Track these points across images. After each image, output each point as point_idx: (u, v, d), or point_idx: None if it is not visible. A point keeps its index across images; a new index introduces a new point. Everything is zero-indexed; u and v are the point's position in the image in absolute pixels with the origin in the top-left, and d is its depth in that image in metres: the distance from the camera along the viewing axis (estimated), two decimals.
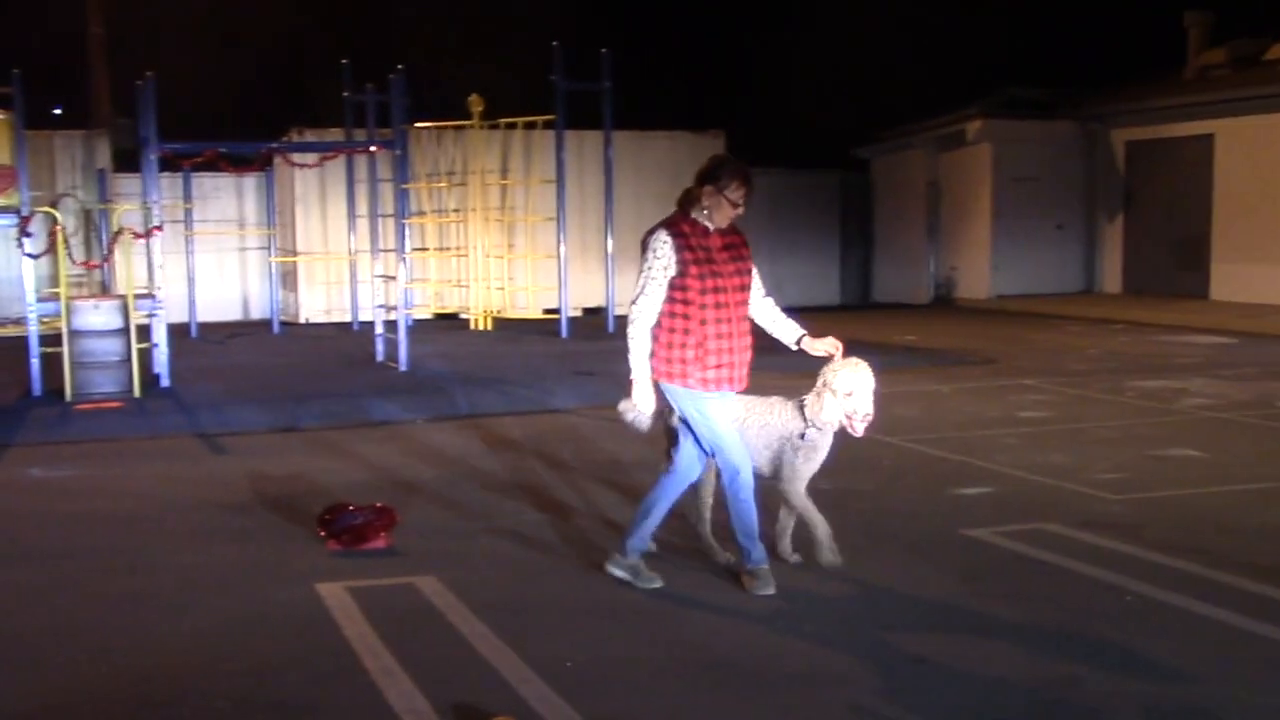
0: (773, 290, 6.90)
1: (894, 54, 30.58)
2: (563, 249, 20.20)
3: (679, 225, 6.43)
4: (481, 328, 21.02)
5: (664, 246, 6.36)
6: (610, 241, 20.89)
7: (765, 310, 6.73)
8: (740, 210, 6.45)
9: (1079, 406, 12.33)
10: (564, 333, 19.47)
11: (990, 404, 12.54)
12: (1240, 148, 22.16)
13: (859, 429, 6.65)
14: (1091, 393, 13.12)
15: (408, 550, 7.42)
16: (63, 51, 28.22)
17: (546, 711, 5.04)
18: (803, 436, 6.68)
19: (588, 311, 22.54)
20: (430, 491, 9.06)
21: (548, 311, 21.16)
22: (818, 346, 6.66)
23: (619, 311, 21.42)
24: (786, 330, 6.74)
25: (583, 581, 6.81)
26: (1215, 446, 10.33)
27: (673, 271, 6.35)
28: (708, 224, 6.44)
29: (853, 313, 24.94)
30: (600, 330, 20.21)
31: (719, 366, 6.42)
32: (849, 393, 6.60)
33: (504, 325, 20.89)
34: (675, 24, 33.09)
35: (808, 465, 6.76)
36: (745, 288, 6.54)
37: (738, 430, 6.65)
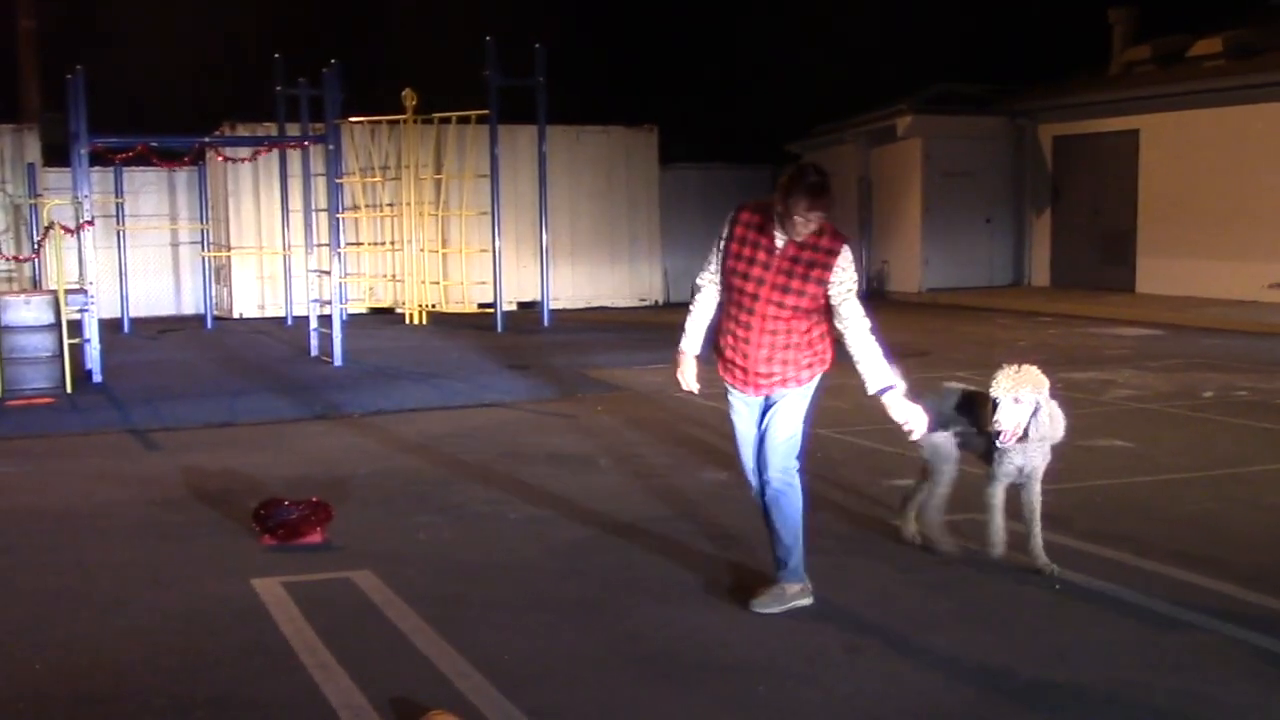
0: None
1: (825, 49, 30.76)
2: (497, 243, 20.21)
3: (748, 210, 6.17)
4: (416, 322, 20.99)
5: (726, 225, 6.19)
6: (545, 236, 20.92)
7: (854, 343, 6.10)
8: (813, 226, 5.91)
9: None
10: (499, 327, 19.49)
11: (920, 396, 12.66)
12: (1165, 143, 22.52)
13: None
14: None
15: (343, 545, 7.42)
16: None
17: (484, 706, 5.07)
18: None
19: (523, 306, 22.55)
20: (366, 486, 9.06)
21: (483, 306, 21.17)
22: (897, 414, 6.16)
23: (553, 306, 21.46)
24: (870, 374, 6.13)
25: (520, 575, 6.85)
26: (1142, 437, 10.53)
27: (720, 251, 6.21)
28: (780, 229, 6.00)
29: None
30: (535, 324, 20.23)
31: (729, 363, 6.25)
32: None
33: (439, 320, 20.88)
34: (609, 18, 33.10)
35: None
36: (795, 297, 5.99)
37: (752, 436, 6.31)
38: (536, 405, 12.73)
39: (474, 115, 20.83)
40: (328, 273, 16.59)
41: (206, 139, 20.22)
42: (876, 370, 6.09)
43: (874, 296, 26.18)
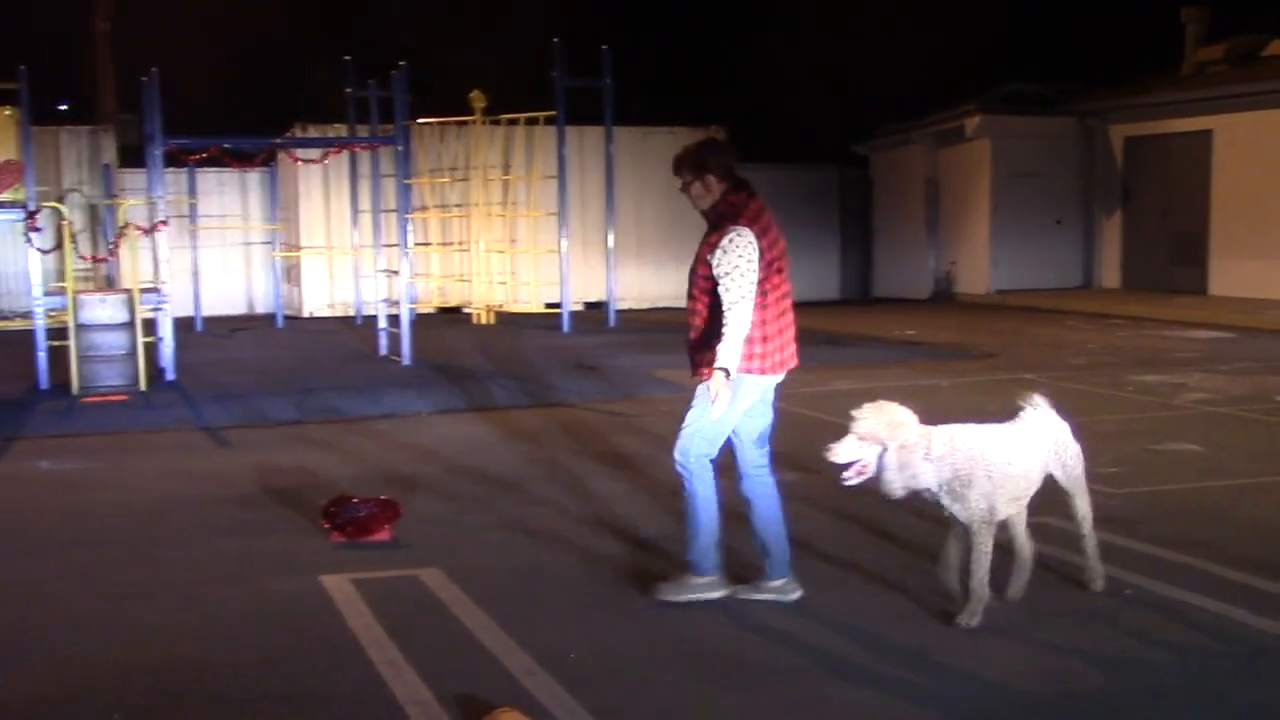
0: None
1: (893, 49, 30.60)
2: (564, 244, 20.27)
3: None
4: (484, 322, 21.09)
5: None
6: (611, 236, 20.96)
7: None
8: (695, 198, 6.27)
9: (1078, 401, 12.37)
10: (565, 327, 19.54)
11: (989, 398, 12.58)
12: (1238, 143, 22.22)
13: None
14: (1090, 387, 13.19)
15: (411, 543, 7.50)
16: (69, 48, 28.29)
17: (549, 703, 5.11)
18: None
19: (589, 306, 22.60)
20: (433, 484, 9.14)
21: (549, 306, 21.23)
22: (710, 387, 6.03)
23: (619, 306, 21.51)
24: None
25: (585, 574, 6.88)
26: (1213, 441, 10.40)
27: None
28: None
29: (853, 308, 25.01)
30: (601, 325, 20.28)
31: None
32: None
33: (506, 320, 20.97)
34: (675, 19, 33.11)
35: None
36: (698, 282, 6.21)
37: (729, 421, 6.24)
38: (602, 405, 12.77)
39: (542, 116, 20.90)
40: (396, 273, 16.72)
41: (278, 140, 20.44)
42: (719, 350, 5.97)
43: (941, 298, 26.05)
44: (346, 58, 21.26)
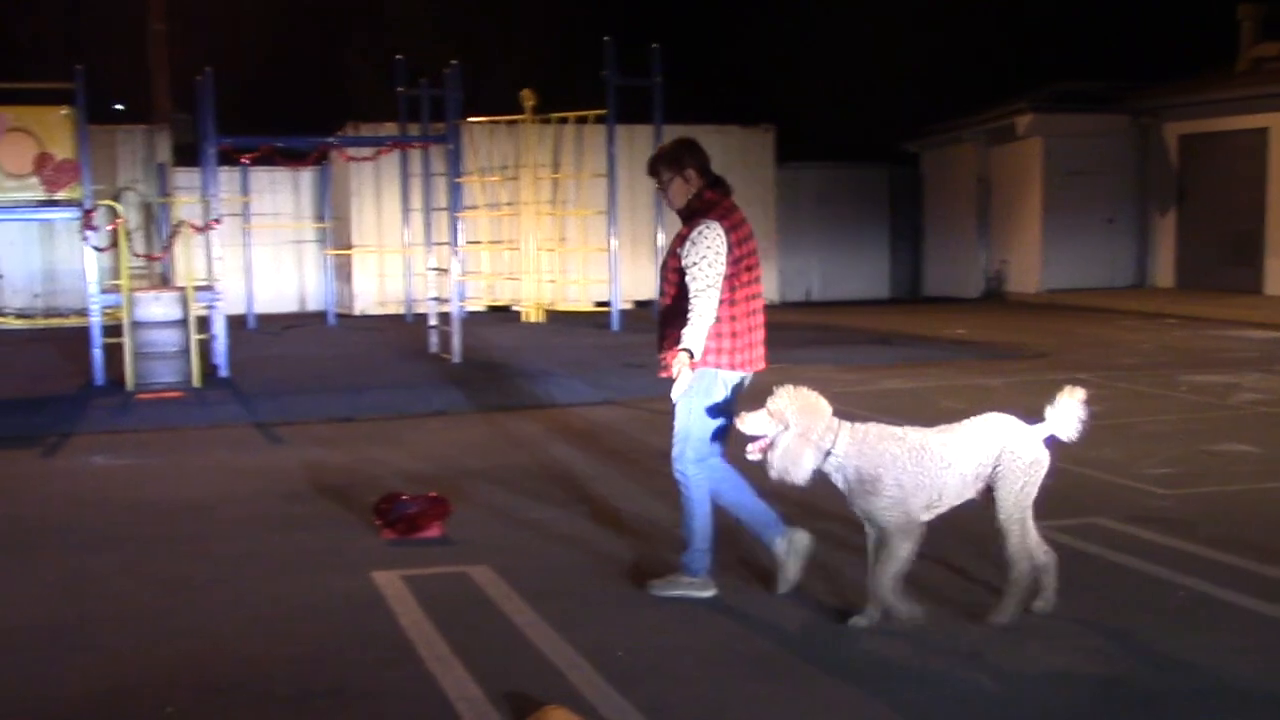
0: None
1: (943, 46, 30.46)
2: (614, 242, 20.30)
3: None
4: (533, 320, 21.15)
5: None
6: (661, 235, 20.96)
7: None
8: (669, 198, 6.54)
9: (1131, 401, 12.30)
10: (615, 325, 19.56)
11: (1041, 398, 12.41)
12: None
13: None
14: (1143, 387, 13.08)
15: (461, 539, 7.54)
16: (124, 48, 28.58)
17: (597, 700, 5.12)
18: None
19: (638, 304, 22.61)
20: (483, 481, 9.18)
21: (599, 304, 21.26)
22: (672, 364, 6.21)
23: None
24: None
25: (635, 572, 6.89)
26: (1268, 442, 10.28)
27: None
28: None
29: (902, 307, 24.90)
30: (650, 322, 20.29)
31: None
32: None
33: (555, 318, 21.01)
34: (724, 17, 33.08)
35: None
36: (668, 275, 6.47)
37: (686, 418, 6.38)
38: (651, 403, 12.77)
39: (592, 115, 20.93)
40: (446, 271, 16.79)
41: (330, 139, 20.56)
42: (684, 333, 6.12)
43: (992, 297, 25.90)
44: (399, 57, 21.37)
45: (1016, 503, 5.84)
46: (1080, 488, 8.72)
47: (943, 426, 5.96)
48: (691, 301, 6.14)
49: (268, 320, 21.21)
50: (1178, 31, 28.98)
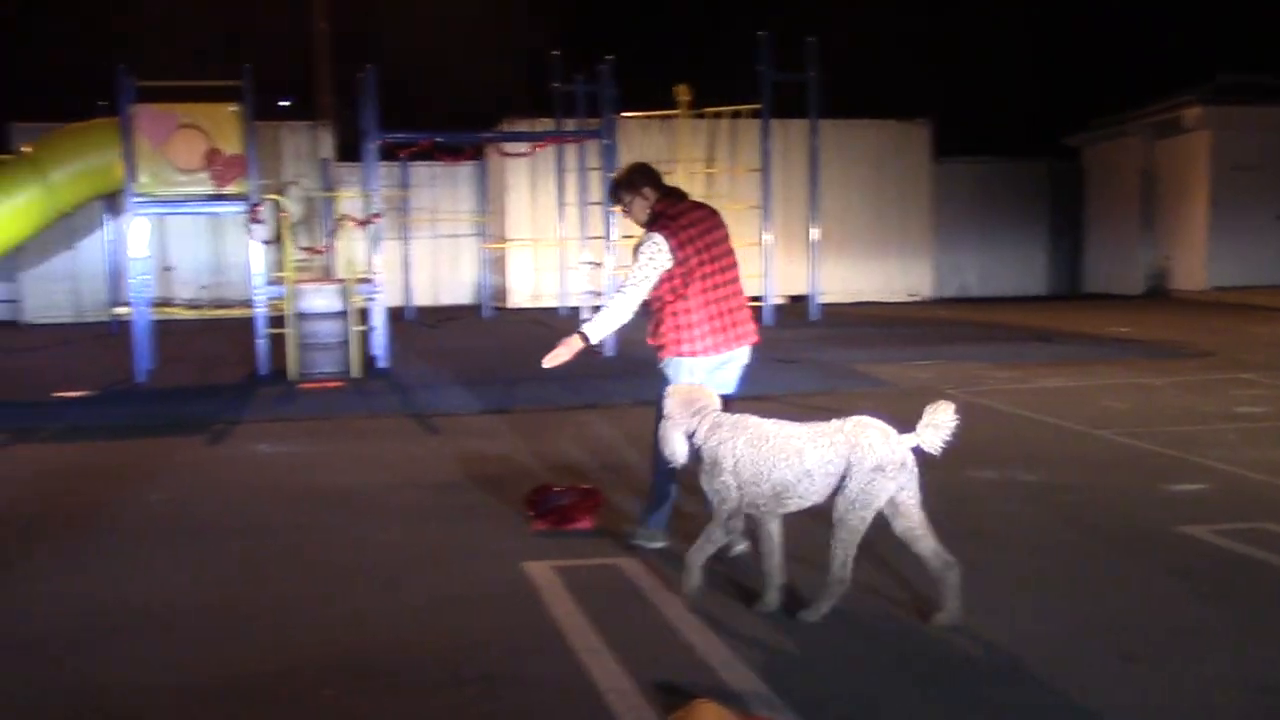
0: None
1: (1105, 39, 29.78)
2: (767, 237, 20.23)
3: None
4: None
5: None
6: (814, 230, 20.84)
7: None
8: (632, 216, 7.31)
9: None
10: (767, 320, 19.50)
11: (1206, 398, 12.17)
12: None
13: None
14: None
15: (612, 532, 7.57)
16: (290, 46, 29.29)
17: (748, 695, 5.10)
18: None
19: (791, 299, 22.52)
20: (635, 474, 9.20)
21: (751, 299, 21.22)
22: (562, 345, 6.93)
23: (822, 299, 21.38)
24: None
25: (787, 568, 6.85)
26: None
27: None
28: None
29: (1061, 304, 24.41)
30: (803, 318, 20.18)
31: None
32: None
33: None
34: (882, 11, 32.74)
35: None
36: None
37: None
38: (801, 399, 12.70)
39: (746, 109, 20.89)
40: (600, 264, 16.89)
41: (487, 134, 20.85)
42: (592, 320, 7.08)
43: (1155, 294, 25.26)
44: (555, 53, 21.56)
45: (849, 505, 5.83)
46: (1249, 491, 8.46)
47: (810, 424, 6.10)
48: (613, 296, 7.09)
49: (425, 312, 21.57)
50: None
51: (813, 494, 5.96)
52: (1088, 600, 6.15)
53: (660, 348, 7.11)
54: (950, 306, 23.87)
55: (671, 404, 6.36)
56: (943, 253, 25.96)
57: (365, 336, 15.00)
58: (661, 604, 6.23)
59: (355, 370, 14.20)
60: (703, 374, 7.06)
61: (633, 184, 7.22)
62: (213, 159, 14.85)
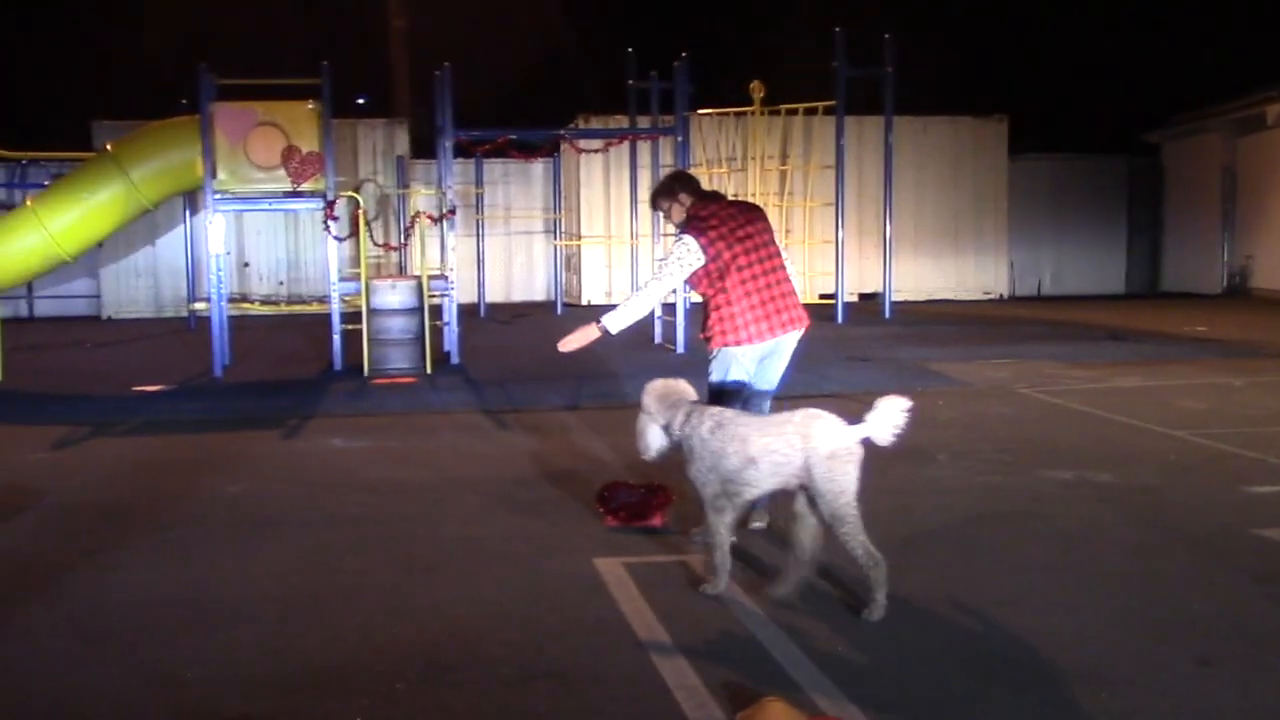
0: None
1: (1186, 33, 29.37)
2: (840, 234, 20.15)
3: None
4: None
5: None
6: (889, 227, 20.73)
7: None
8: (669, 220, 7.69)
9: None
10: (840, 318, 19.43)
11: None
12: None
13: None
14: None
15: (683, 529, 7.58)
16: (367, 44, 29.58)
17: (817, 695, 5.10)
18: None
19: (864, 297, 22.42)
20: None
21: (824, 296, 21.14)
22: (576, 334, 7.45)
23: (896, 297, 21.25)
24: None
25: (858, 569, 6.82)
26: None
27: None
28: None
29: (1139, 302, 24.11)
30: (876, 316, 20.07)
31: None
32: None
33: None
34: (959, 6, 32.49)
35: None
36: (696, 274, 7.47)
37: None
38: (874, 398, 12.62)
39: (821, 106, 20.82)
40: None
41: (561, 131, 20.91)
42: (616, 308, 7.42)
43: (1236, 293, 24.88)
44: (629, 50, 21.59)
45: (829, 498, 6.00)
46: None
47: (769, 415, 6.53)
48: (639, 288, 7.56)
49: (498, 309, 21.68)
50: None
51: (761, 480, 6.18)
52: (1164, 603, 6.08)
53: (709, 339, 7.50)
54: (1026, 305, 23.64)
55: (648, 399, 6.68)
56: (1018, 250, 25.73)
57: (439, 332, 15.10)
58: (730, 601, 6.23)
59: (429, 366, 14.31)
60: (750, 363, 7.47)
61: (670, 191, 7.62)
62: (290, 156, 15.02)
